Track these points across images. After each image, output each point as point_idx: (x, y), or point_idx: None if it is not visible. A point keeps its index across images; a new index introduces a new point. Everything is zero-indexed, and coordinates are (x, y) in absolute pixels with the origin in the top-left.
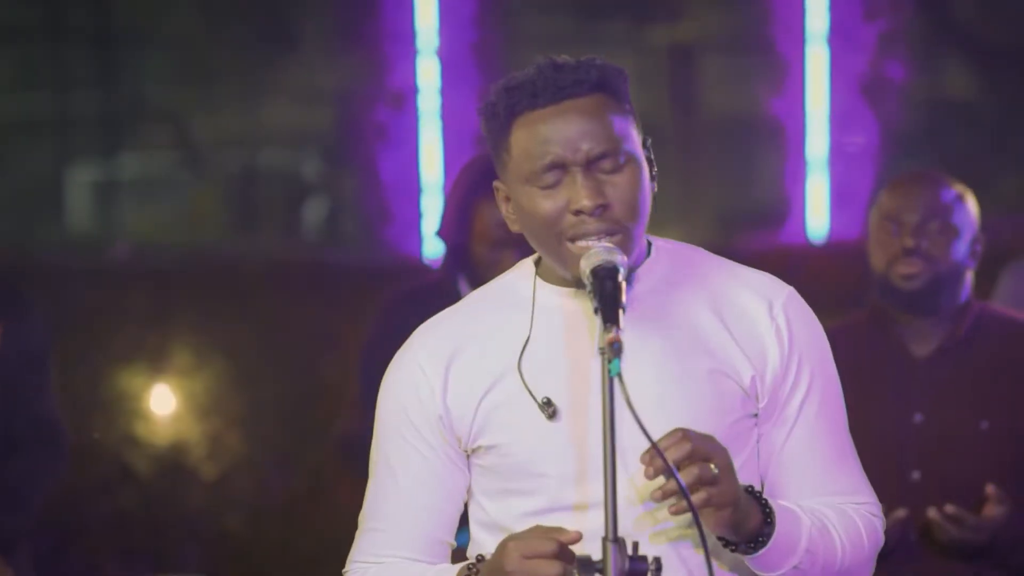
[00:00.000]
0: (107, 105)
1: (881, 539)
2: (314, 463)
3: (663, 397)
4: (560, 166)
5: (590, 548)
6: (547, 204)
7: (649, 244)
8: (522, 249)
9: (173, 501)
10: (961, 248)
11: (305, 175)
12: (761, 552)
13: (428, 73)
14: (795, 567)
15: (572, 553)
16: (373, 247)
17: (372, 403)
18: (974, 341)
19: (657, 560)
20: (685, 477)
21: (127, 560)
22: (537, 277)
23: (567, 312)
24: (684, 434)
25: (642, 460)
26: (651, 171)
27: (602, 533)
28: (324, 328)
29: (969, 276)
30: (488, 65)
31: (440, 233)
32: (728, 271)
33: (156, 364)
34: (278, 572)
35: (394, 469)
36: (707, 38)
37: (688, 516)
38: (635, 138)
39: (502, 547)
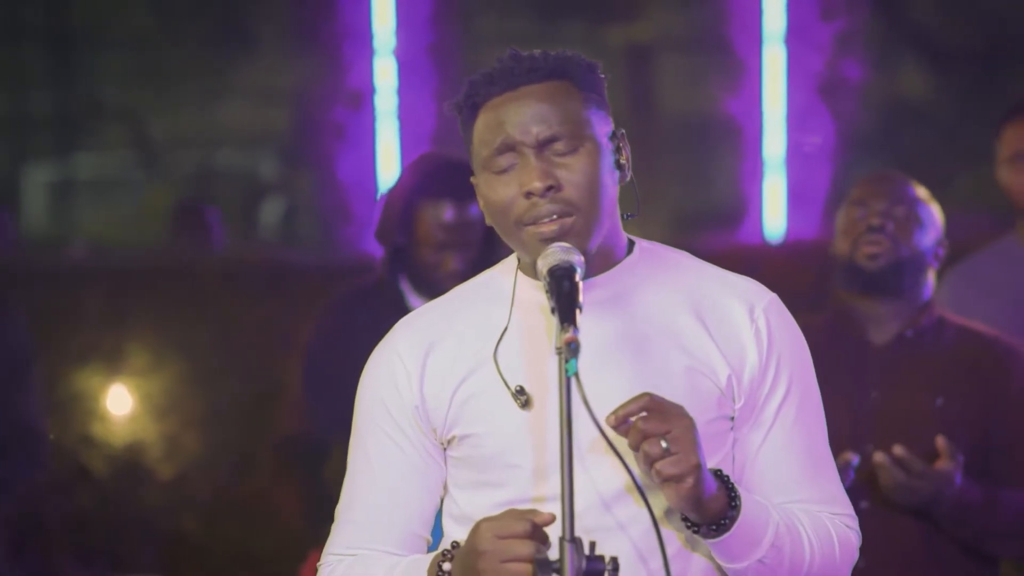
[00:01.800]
0: (63, 105)
1: (856, 553)
2: (271, 463)
3: (635, 393)
4: (511, 148)
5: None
6: (502, 190)
7: (632, 243)
8: (465, 252)
9: (130, 501)
10: (925, 240)
11: (262, 175)
12: (724, 537)
13: (385, 73)
14: (760, 561)
15: (545, 534)
16: (330, 247)
17: (314, 402)
18: (932, 337)
19: (614, 560)
20: (639, 459)
21: (84, 560)
22: (519, 272)
23: (545, 306)
24: (649, 400)
25: (608, 421)
26: (618, 159)
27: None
28: (281, 328)
29: (931, 276)
30: (445, 66)
31: (378, 235)
32: (711, 274)
33: (112, 364)
34: (235, 572)
35: (372, 462)
36: (664, 38)
37: (647, 515)
38: (596, 125)
39: (476, 529)
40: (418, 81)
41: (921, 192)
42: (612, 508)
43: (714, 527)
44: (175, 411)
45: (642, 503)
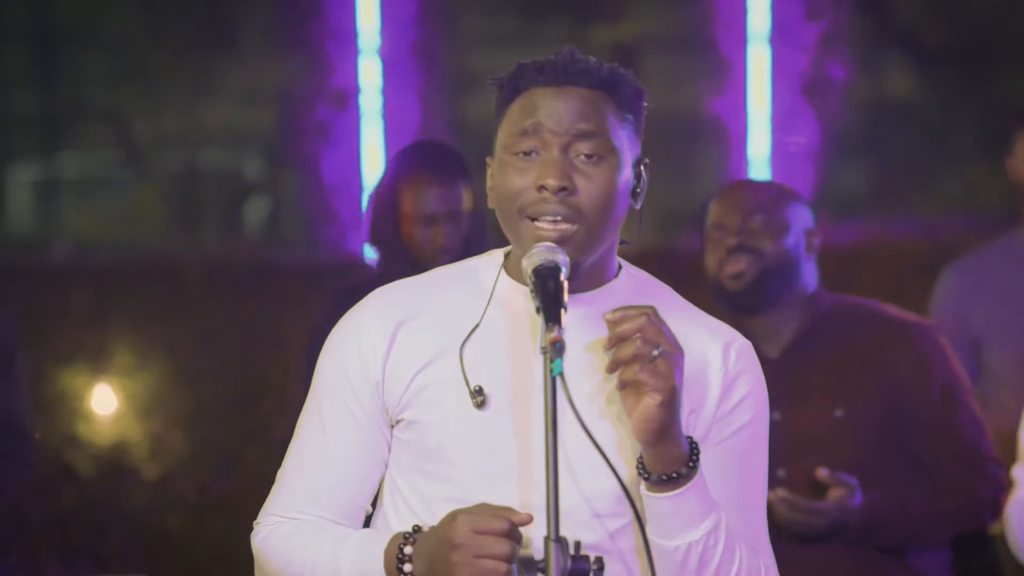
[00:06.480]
0: (47, 104)
1: None
2: (255, 462)
3: (599, 413)
4: (537, 134)
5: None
6: (515, 177)
7: (620, 267)
8: (453, 227)
9: (115, 501)
10: (790, 239)
11: (247, 174)
12: (672, 494)
13: (370, 73)
14: (691, 544)
15: (520, 534)
16: (315, 246)
17: None
18: (822, 331)
19: (599, 560)
20: (627, 347)
21: (68, 560)
22: (502, 269)
23: (521, 311)
24: (653, 313)
25: (605, 317)
26: (635, 188)
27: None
28: (265, 327)
29: (810, 268)
30: (430, 65)
31: (369, 237)
32: (690, 312)
33: (97, 364)
34: (219, 571)
35: (326, 427)
36: (649, 38)
37: (628, 519)
38: (625, 145)
39: (451, 519)
40: (403, 81)
41: (778, 191)
42: (589, 509)
43: (665, 477)
44: (159, 411)
45: (622, 500)
